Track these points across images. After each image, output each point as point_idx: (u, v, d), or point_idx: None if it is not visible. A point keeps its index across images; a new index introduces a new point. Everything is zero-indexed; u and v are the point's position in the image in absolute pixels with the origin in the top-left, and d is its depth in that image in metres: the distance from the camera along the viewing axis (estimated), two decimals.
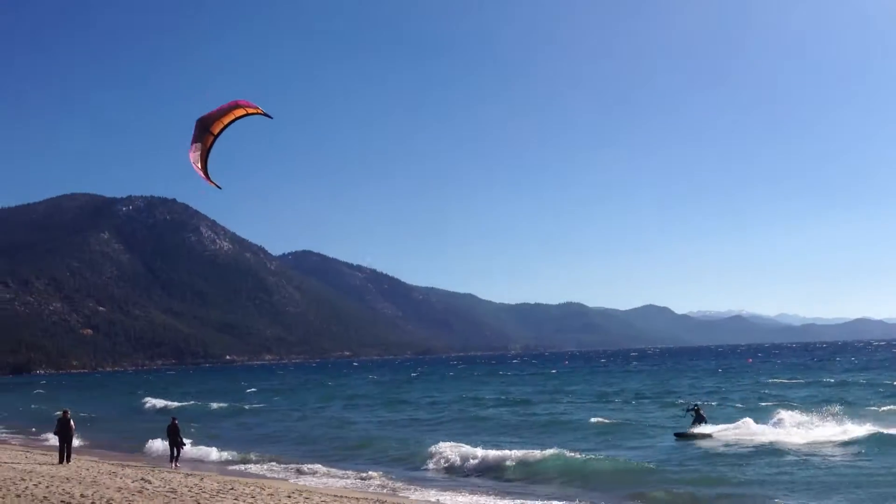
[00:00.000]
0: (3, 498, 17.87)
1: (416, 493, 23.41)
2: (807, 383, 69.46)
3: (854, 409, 38.72)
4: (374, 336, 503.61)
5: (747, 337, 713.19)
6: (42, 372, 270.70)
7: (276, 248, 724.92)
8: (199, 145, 20.29)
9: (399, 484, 25.18)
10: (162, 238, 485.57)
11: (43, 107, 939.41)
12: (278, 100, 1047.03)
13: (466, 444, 31.24)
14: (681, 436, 34.54)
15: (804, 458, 27.50)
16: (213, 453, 33.64)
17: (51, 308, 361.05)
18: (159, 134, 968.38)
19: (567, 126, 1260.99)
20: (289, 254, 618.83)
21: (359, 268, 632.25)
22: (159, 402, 72.09)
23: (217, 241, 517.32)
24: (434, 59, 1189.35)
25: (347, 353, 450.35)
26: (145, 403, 73.50)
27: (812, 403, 43.55)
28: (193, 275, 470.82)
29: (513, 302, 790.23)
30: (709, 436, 33.82)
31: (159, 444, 34.83)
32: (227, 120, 20.59)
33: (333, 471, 28.27)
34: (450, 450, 30.18)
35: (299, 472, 28.60)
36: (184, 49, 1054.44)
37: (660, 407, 50.97)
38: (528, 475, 26.64)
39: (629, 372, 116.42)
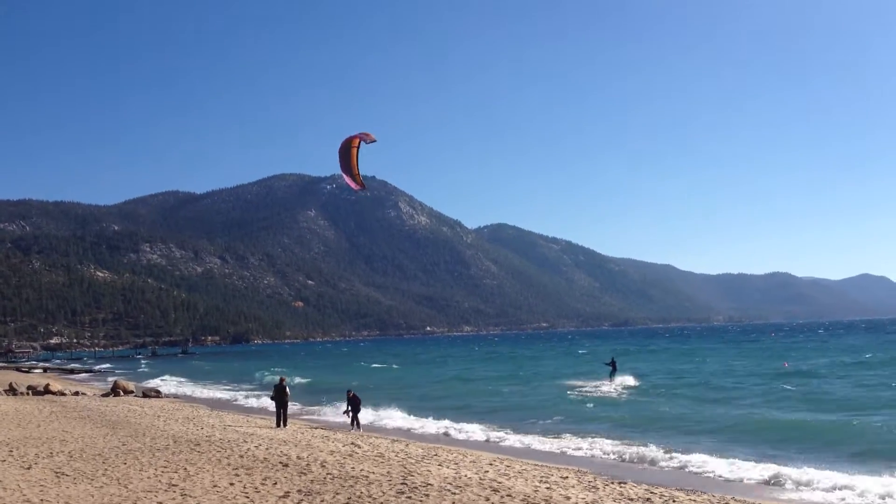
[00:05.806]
0: (228, 458, 19.13)
1: None
2: None
3: None
4: (570, 308, 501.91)
5: None
6: (259, 341, 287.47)
7: (472, 221, 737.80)
8: (346, 166, 26.09)
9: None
10: (363, 214, 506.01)
11: (256, 101, 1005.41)
12: (481, 77, 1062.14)
13: None
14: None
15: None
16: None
17: (265, 282, 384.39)
18: (360, 117, 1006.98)
19: (750, 96, 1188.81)
20: (484, 227, 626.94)
21: (554, 240, 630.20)
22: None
23: (415, 215, 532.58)
24: (638, 41, 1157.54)
25: (545, 325, 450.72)
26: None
27: None
28: (394, 249, 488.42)
29: (714, 272, 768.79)
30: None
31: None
32: (356, 142, 25.92)
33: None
34: None
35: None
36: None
37: None
38: None
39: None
